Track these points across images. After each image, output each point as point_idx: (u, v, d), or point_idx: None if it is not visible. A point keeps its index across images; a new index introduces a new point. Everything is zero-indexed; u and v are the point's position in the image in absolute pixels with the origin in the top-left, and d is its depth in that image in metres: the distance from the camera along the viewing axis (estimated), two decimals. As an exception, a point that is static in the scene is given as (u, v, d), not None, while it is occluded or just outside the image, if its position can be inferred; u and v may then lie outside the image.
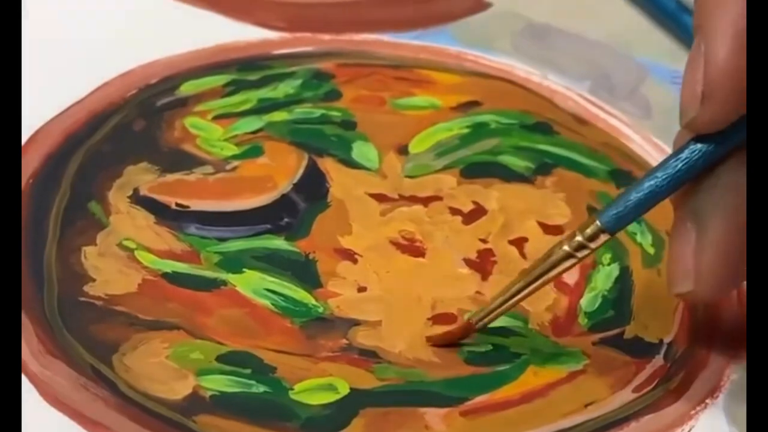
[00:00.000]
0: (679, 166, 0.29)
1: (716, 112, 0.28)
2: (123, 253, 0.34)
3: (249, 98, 0.40)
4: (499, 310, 0.32)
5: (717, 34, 0.27)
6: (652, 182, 0.29)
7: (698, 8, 0.28)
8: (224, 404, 0.30)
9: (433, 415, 0.31)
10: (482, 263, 0.35)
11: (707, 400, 0.32)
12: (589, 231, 0.30)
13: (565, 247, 0.30)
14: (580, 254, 0.30)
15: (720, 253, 0.29)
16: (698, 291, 0.29)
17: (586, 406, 0.32)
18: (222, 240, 0.35)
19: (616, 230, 0.30)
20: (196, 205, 0.36)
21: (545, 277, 0.31)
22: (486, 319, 0.32)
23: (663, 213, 0.37)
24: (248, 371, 0.31)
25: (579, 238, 0.30)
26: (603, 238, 0.30)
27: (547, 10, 0.45)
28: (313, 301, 0.33)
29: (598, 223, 0.30)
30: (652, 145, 0.40)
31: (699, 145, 0.29)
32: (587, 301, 0.35)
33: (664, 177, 0.29)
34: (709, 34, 0.27)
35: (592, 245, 0.30)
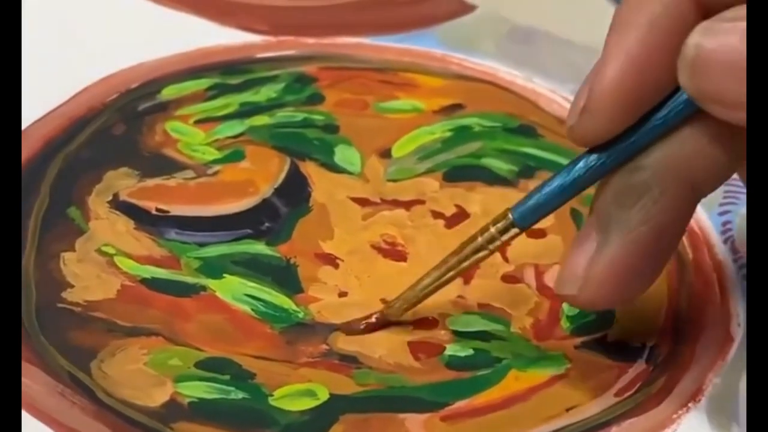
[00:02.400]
0: (585, 166, 0.30)
1: (591, 127, 0.29)
2: (102, 258, 0.34)
3: (231, 102, 0.40)
4: (410, 303, 0.32)
5: (611, 54, 0.28)
6: (558, 181, 0.30)
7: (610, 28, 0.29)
8: (202, 411, 0.30)
9: (413, 420, 0.31)
10: (464, 267, 0.35)
11: (689, 404, 0.32)
12: (500, 225, 0.31)
13: (479, 240, 0.31)
14: (491, 246, 0.31)
15: (612, 271, 0.29)
16: (580, 297, 0.30)
17: (567, 410, 0.32)
18: (202, 245, 0.35)
19: (526, 225, 0.31)
20: (177, 210, 0.36)
21: (458, 269, 0.31)
22: (398, 312, 0.32)
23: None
24: (227, 377, 0.31)
25: (492, 230, 0.31)
26: (513, 231, 0.31)
27: (531, 13, 0.45)
28: (294, 307, 0.33)
29: (510, 216, 0.31)
30: (635, 148, 0.40)
31: (596, 153, 0.29)
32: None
33: (570, 176, 0.30)
34: (605, 52, 0.28)
35: (503, 238, 0.31)
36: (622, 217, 0.29)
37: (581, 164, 0.30)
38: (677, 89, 0.28)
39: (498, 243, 0.31)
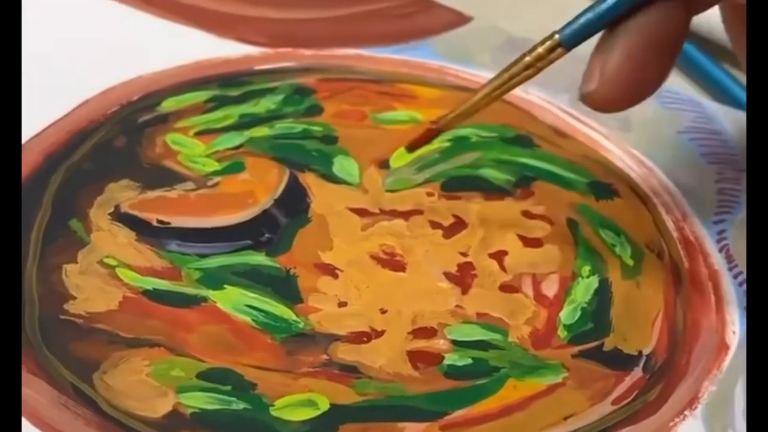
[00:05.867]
0: None
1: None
2: (104, 270, 0.34)
3: (230, 114, 0.40)
4: (460, 116, 0.35)
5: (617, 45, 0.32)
6: (600, 5, 0.33)
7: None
8: (204, 421, 0.30)
9: (412, 430, 0.31)
10: (462, 277, 0.35)
11: (686, 412, 0.32)
12: (548, 44, 0.33)
13: (527, 58, 0.33)
14: (539, 64, 0.33)
15: (620, 69, 0.32)
16: (598, 93, 0.33)
17: (565, 418, 0.32)
18: (203, 256, 0.35)
19: (571, 45, 0.33)
20: (177, 221, 0.36)
21: (508, 84, 0.34)
22: (448, 124, 0.35)
23: (642, 225, 0.38)
24: (228, 388, 0.31)
25: (540, 50, 0.33)
26: (559, 51, 0.33)
27: (527, 24, 0.45)
28: (294, 317, 0.34)
29: (557, 36, 0.33)
30: (631, 157, 0.40)
31: None
32: (566, 313, 0.35)
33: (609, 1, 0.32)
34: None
35: (550, 57, 0.33)
36: (627, 25, 0.32)
37: None
38: None
39: (545, 62, 0.33)
